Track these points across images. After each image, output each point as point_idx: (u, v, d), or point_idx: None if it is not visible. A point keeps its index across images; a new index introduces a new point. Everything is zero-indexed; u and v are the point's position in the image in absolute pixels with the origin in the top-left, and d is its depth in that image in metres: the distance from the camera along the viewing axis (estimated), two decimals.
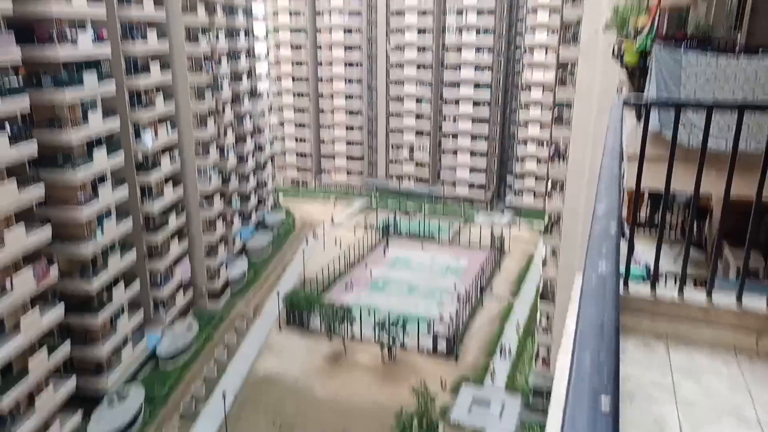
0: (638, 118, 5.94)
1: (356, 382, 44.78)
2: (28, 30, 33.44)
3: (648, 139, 3.69)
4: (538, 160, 78.64)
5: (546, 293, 42.13)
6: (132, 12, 42.89)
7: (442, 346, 48.24)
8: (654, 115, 6.27)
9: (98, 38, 38.24)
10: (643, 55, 7.87)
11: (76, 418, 35.25)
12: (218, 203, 54.87)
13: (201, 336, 49.03)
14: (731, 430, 3.01)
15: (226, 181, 57.77)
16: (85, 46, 36.63)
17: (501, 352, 48.45)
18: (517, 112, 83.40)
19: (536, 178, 79.44)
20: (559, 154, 41.16)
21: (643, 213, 12.50)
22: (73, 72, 35.70)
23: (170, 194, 47.76)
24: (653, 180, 4.24)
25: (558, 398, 2.64)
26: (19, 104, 31.03)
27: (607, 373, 0.98)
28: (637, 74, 8.25)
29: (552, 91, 54.20)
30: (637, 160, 3.67)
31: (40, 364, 32.15)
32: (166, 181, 47.77)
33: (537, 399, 41.66)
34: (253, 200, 67.64)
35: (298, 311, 51.74)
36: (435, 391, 40.13)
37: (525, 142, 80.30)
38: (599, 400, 0.93)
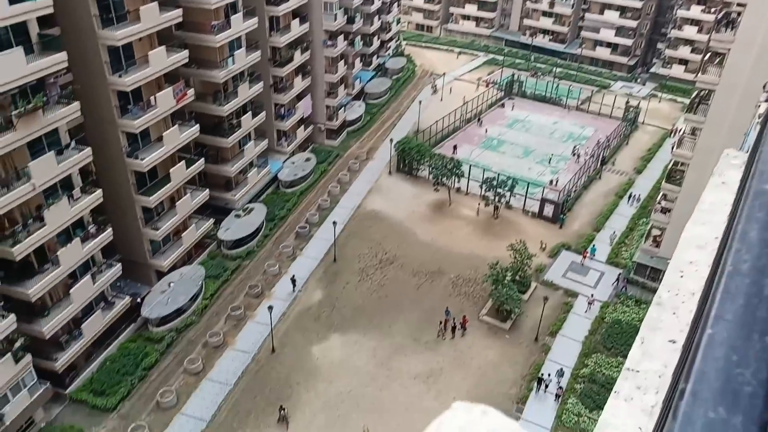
0: None
1: (457, 231, 46.26)
2: None
3: None
4: (700, 27, 68.04)
5: (674, 174, 38.88)
6: None
7: (548, 211, 47.55)
8: None
9: None
10: None
11: (208, 223, 40.49)
12: (341, 43, 54.56)
13: (318, 169, 52.15)
14: None
15: (350, 20, 56.66)
16: None
17: (610, 226, 46.91)
18: None
19: (692, 48, 69.46)
20: (728, 20, 35.08)
21: None
22: None
23: (296, 28, 48.12)
24: None
25: (678, 264, 2.37)
26: None
27: None
28: None
29: None
30: None
31: (179, 173, 36.44)
32: (294, 15, 47.91)
33: (638, 276, 40.81)
34: (375, 43, 66.33)
35: (409, 159, 52.68)
36: (533, 252, 40.55)
37: (689, 2, 69.12)
38: None
